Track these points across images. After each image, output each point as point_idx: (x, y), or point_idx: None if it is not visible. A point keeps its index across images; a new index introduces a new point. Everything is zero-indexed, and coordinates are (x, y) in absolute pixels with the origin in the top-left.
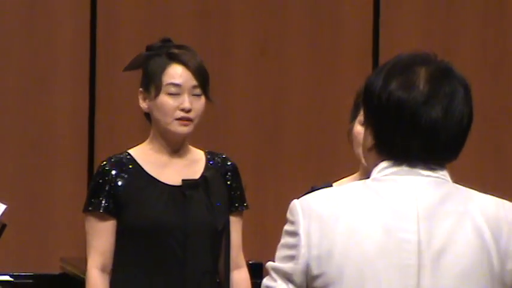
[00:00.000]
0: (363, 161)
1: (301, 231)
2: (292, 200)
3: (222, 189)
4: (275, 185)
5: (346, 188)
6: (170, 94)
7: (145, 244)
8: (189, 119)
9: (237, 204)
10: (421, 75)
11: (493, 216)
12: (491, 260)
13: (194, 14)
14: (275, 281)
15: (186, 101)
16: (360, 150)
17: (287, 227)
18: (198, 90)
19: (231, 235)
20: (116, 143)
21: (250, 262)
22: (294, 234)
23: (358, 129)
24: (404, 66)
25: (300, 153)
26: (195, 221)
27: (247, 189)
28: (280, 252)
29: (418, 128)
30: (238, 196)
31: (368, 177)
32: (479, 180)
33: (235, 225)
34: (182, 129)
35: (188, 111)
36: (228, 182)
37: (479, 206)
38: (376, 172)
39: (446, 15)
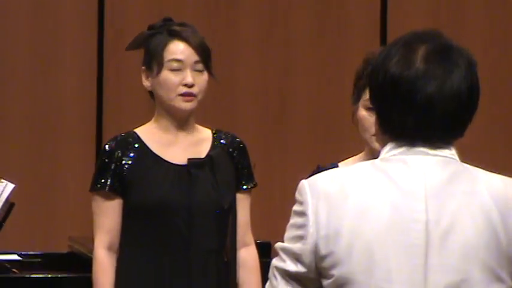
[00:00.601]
0: (373, 144)
1: (310, 211)
2: (299, 179)
3: (228, 167)
4: (282, 164)
5: (355, 167)
6: (172, 70)
7: (151, 223)
8: (191, 94)
9: (244, 182)
10: (420, 53)
11: (500, 195)
12: (498, 238)
13: None
14: (284, 261)
15: (188, 76)
16: (365, 134)
17: (296, 207)
18: (200, 66)
19: (238, 213)
20: (124, 123)
21: (258, 241)
22: (302, 214)
23: (363, 113)
24: (405, 45)
25: (307, 132)
26: (200, 200)
27: (256, 170)
28: (289, 233)
29: (414, 104)
30: (246, 174)
31: (375, 158)
32: (488, 161)
33: (243, 203)
34: (185, 105)
35: (191, 86)
36: (236, 160)
37: (487, 186)
38: (384, 152)
39: None
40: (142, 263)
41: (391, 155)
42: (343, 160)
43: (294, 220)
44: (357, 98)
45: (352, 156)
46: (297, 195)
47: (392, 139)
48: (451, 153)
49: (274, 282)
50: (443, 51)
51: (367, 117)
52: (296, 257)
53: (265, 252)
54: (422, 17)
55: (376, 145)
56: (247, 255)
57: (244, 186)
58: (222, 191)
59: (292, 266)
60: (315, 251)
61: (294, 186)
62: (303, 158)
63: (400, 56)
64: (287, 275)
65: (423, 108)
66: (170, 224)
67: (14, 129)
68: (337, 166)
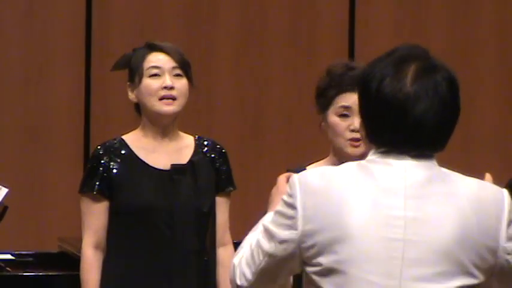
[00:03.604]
0: (346, 149)
1: (298, 205)
2: (272, 182)
3: (209, 173)
4: (256, 169)
5: (342, 167)
6: (152, 76)
7: (135, 225)
8: (172, 97)
9: (224, 186)
10: (409, 75)
11: (475, 196)
12: (472, 237)
13: (182, 7)
14: (270, 242)
15: (166, 79)
16: (338, 140)
17: (286, 198)
18: (178, 71)
19: (218, 215)
20: (110, 130)
21: (235, 241)
22: (291, 206)
23: (335, 119)
24: (397, 63)
25: (281, 141)
26: (182, 203)
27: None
28: (278, 219)
29: (405, 123)
30: (226, 178)
31: (342, 160)
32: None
33: (222, 206)
34: (167, 108)
35: (170, 88)
36: (217, 165)
37: (462, 188)
38: (370, 154)
39: (417, 7)
40: (126, 262)
41: (377, 157)
42: (311, 164)
43: (283, 209)
44: (324, 106)
45: (320, 160)
46: (288, 189)
47: (379, 148)
48: (432, 160)
49: (263, 244)
50: (430, 72)
51: (339, 122)
52: (281, 242)
53: None
54: (387, 25)
55: (350, 150)
56: (225, 255)
57: (224, 190)
58: (202, 195)
59: (280, 249)
60: (301, 241)
61: (268, 189)
62: (276, 163)
63: (393, 76)
64: (267, 256)
65: (413, 128)
66: (153, 226)
67: (7, 137)
68: (305, 169)
